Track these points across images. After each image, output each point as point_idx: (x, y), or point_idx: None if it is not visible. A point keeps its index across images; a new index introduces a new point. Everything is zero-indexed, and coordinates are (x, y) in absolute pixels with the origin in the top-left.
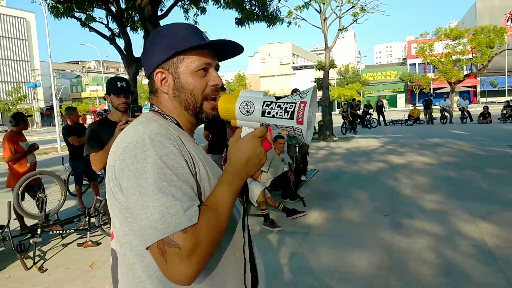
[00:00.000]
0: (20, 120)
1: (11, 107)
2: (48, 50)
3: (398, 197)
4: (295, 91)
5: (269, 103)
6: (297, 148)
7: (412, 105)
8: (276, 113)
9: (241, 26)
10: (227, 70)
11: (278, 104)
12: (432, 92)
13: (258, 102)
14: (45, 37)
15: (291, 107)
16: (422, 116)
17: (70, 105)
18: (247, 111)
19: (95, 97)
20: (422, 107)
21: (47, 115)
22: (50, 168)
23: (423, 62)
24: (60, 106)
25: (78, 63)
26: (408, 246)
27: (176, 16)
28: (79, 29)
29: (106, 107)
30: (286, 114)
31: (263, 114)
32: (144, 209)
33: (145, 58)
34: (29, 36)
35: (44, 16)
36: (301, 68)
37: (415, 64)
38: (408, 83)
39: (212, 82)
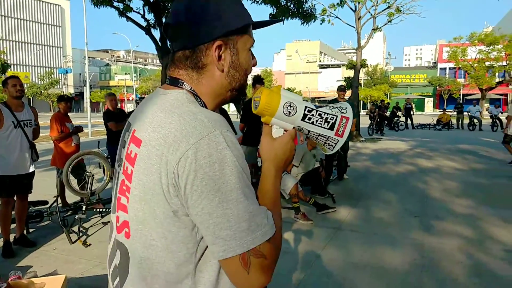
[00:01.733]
0: (59, 101)
1: (42, 91)
2: (85, 38)
3: (428, 200)
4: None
5: (310, 109)
6: None
7: (440, 110)
8: (316, 121)
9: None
10: None
11: (319, 112)
12: (461, 97)
13: (300, 105)
14: (77, 25)
15: (331, 118)
16: (454, 121)
17: (109, 91)
18: (289, 112)
19: (123, 86)
20: (455, 112)
21: (75, 101)
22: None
23: (455, 66)
24: (90, 93)
25: (107, 52)
26: (439, 247)
27: None
28: (110, 18)
29: (133, 96)
30: (326, 124)
31: (303, 118)
32: (225, 217)
33: (195, 21)
34: (63, 23)
35: (80, 4)
36: (327, 66)
37: (445, 68)
38: (437, 87)
39: (254, 62)
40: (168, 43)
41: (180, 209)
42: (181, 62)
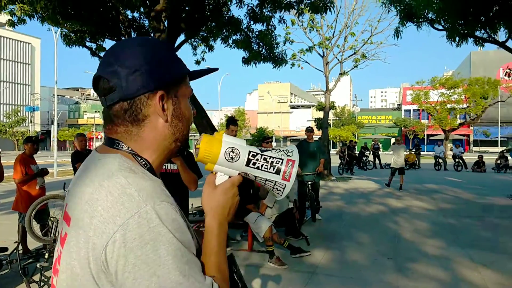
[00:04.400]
0: (25, 142)
1: (7, 129)
2: (55, 76)
3: (400, 241)
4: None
5: (254, 153)
6: (309, 185)
7: (406, 150)
8: (262, 166)
9: (248, 65)
10: (226, 104)
11: (264, 156)
12: (426, 138)
13: (243, 150)
14: (47, 62)
15: (277, 162)
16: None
17: (78, 131)
18: (232, 158)
19: (92, 124)
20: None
21: (40, 139)
22: (48, 193)
23: (418, 108)
24: (57, 131)
25: (78, 90)
26: None
27: (185, 51)
28: (82, 57)
29: (102, 134)
30: (272, 168)
31: (247, 163)
32: None
33: (134, 72)
34: (32, 60)
35: (51, 42)
36: (298, 107)
37: (409, 110)
38: (403, 128)
39: (194, 111)
40: (100, 98)
41: None
42: (119, 117)
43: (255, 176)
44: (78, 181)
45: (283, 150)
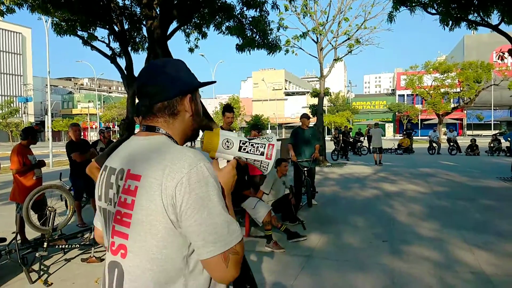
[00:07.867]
0: (29, 134)
1: (1, 120)
2: (47, 66)
3: (394, 224)
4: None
5: (244, 141)
6: (305, 171)
7: (400, 135)
8: (250, 150)
9: (241, 52)
10: (221, 92)
11: (251, 143)
12: (420, 122)
13: (236, 140)
14: (38, 52)
15: (261, 146)
16: (414, 145)
17: (74, 121)
18: (228, 146)
19: (86, 114)
20: (405, 136)
21: (38, 130)
22: (45, 183)
23: (412, 93)
24: (51, 122)
25: (70, 80)
26: (409, 271)
27: (177, 38)
28: (74, 46)
29: (96, 124)
30: (258, 151)
31: (239, 149)
32: (212, 226)
33: (172, 82)
34: (23, 50)
35: (43, 32)
36: (293, 94)
37: (403, 95)
38: (397, 113)
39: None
40: (138, 98)
41: (176, 223)
42: (160, 111)
43: (246, 158)
44: (129, 154)
45: (265, 138)
